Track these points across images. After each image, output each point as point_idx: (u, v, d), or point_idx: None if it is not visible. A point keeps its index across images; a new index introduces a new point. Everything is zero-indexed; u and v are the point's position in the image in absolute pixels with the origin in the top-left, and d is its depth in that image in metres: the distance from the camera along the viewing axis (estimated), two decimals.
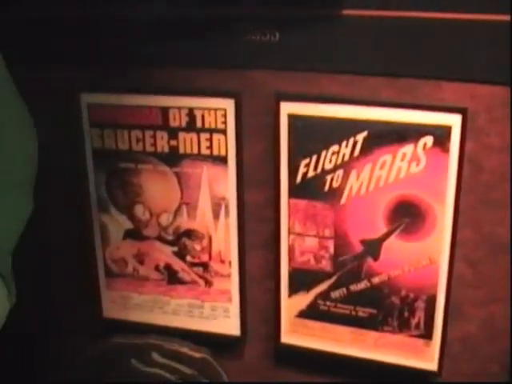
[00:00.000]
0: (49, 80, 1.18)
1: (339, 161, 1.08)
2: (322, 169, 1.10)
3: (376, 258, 1.11)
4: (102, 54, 1.16)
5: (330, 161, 1.09)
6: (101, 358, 1.17)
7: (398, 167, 1.06)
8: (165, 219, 1.23)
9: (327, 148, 1.08)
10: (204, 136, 1.14)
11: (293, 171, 1.11)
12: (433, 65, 1.02)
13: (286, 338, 1.22)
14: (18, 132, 1.00)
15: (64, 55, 1.18)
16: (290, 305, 1.21)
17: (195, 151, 1.15)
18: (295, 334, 1.23)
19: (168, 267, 1.26)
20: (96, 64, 1.17)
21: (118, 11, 1.12)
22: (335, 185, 1.09)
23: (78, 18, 1.14)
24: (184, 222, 1.21)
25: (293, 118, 1.08)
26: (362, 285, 1.14)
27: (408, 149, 1.05)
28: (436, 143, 1.04)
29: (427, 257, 1.10)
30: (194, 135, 1.14)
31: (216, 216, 1.19)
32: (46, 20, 1.16)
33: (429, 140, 1.04)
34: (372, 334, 1.16)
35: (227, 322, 1.26)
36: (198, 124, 1.13)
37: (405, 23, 1.00)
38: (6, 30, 1.12)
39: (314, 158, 1.09)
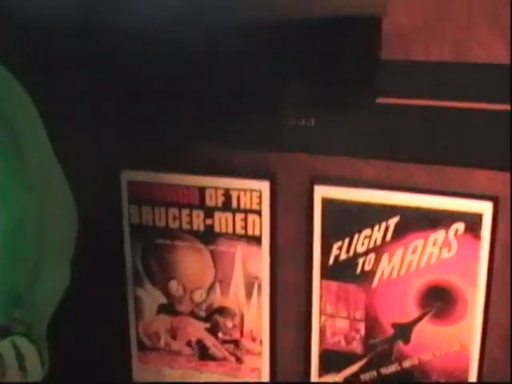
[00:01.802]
0: (91, 156, 1.26)
1: (371, 244, 1.13)
2: (355, 252, 1.14)
3: (407, 342, 1.14)
4: (142, 131, 1.24)
5: (363, 244, 1.13)
6: None
7: (430, 252, 1.10)
8: (198, 295, 1.28)
9: (360, 231, 1.13)
10: (239, 216, 1.19)
11: (325, 253, 1.16)
12: (464, 153, 1.07)
13: None
14: (58, 204, 1.07)
15: (106, 132, 1.27)
16: None
17: (230, 230, 1.21)
18: None
19: (200, 343, 1.29)
20: (137, 142, 1.25)
21: (158, 89, 1.20)
22: (367, 268, 1.14)
23: (119, 96, 1.23)
24: (217, 299, 1.25)
25: (327, 201, 1.13)
26: (393, 368, 1.16)
27: (439, 234, 1.09)
28: (467, 230, 1.08)
29: (458, 341, 1.12)
30: (229, 215, 1.20)
31: (249, 294, 1.24)
32: (87, 96, 1.25)
33: (460, 226, 1.08)
34: None
35: None
36: (234, 204, 1.19)
37: (439, 112, 1.06)
38: (51, 106, 1.20)
39: (347, 240, 1.14)
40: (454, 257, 1.08)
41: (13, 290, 0.98)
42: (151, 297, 1.30)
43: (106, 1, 1.12)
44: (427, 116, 1.06)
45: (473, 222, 1.06)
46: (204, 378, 1.31)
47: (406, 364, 1.14)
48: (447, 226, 1.07)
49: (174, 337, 1.31)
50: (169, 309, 1.30)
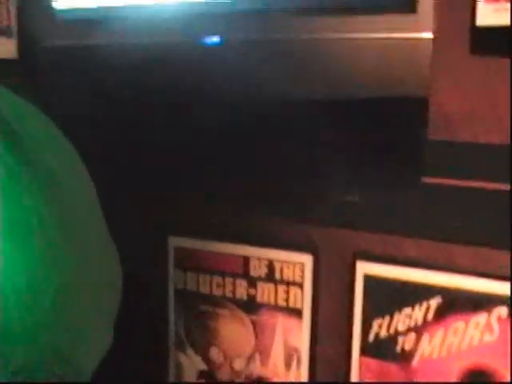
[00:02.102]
0: (140, 221, 1.31)
1: (412, 323, 1.13)
2: (395, 330, 1.14)
3: None
4: (192, 198, 1.29)
5: (403, 323, 1.13)
6: None
7: (471, 335, 1.09)
8: (238, 364, 1.29)
9: (400, 310, 1.13)
10: (281, 287, 1.21)
11: (366, 329, 1.16)
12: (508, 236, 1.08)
13: None
14: (104, 266, 1.11)
15: (157, 198, 1.32)
16: None
17: (272, 301, 1.22)
18: None
19: None
20: (186, 208, 1.30)
21: (211, 159, 1.25)
22: (407, 347, 1.13)
23: (170, 162, 1.28)
24: (256, 369, 1.27)
25: (368, 278, 1.14)
26: None
27: (481, 318, 1.08)
28: (510, 314, 1.08)
29: None
30: (272, 286, 1.22)
31: (288, 366, 1.24)
32: (137, 160, 1.30)
33: (503, 310, 1.08)
34: None
35: None
36: (277, 275, 1.21)
37: (485, 194, 1.08)
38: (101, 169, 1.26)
39: (387, 318, 1.14)
40: (496, 341, 1.07)
41: (56, 349, 1.04)
42: (192, 362, 1.32)
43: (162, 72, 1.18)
44: (472, 197, 1.08)
45: None
46: None
47: None
48: (489, 310, 1.07)
49: None
50: (209, 375, 1.32)
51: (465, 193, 1.09)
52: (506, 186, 1.06)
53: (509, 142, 1.06)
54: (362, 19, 1.04)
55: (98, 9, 1.25)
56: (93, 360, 1.07)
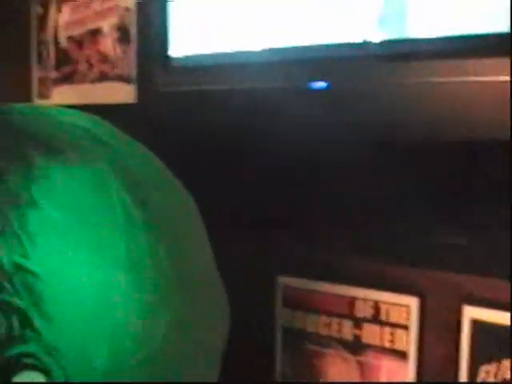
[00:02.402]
0: (248, 260, 1.36)
1: None
2: (503, 378, 1.13)
3: None
4: (300, 239, 1.33)
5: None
6: None
7: None
8: None
9: (509, 357, 1.13)
10: (387, 329, 1.22)
11: (472, 375, 1.14)
12: None
13: None
14: (212, 303, 1.16)
15: (265, 238, 1.37)
16: None
17: (377, 343, 1.23)
18: None
19: None
20: (294, 248, 1.34)
21: (320, 203, 1.29)
22: None
23: (282, 202, 1.33)
24: None
25: (475, 323, 1.14)
26: None
27: None
28: None
29: None
30: (377, 327, 1.23)
31: None
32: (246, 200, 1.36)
33: None
34: None
35: None
36: (382, 317, 1.22)
37: None
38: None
39: (495, 365, 1.13)
40: None
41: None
42: None
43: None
44: None
45: None
46: None
47: None
48: None
49: None
50: None
51: None
52: None
53: None
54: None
55: (212, 55, 1.33)
56: None
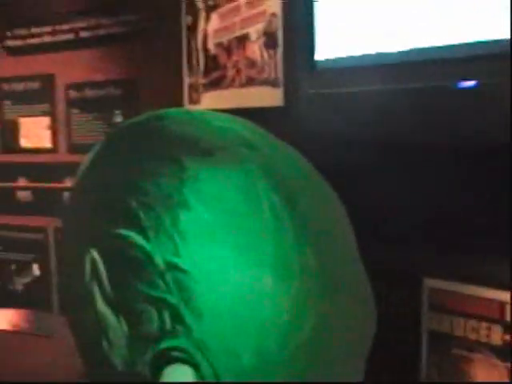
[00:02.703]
0: (395, 262, 1.37)
1: None
2: None
3: None
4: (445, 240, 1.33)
5: None
6: None
7: None
8: None
9: None
10: None
11: None
12: None
13: None
14: (360, 304, 1.18)
15: (412, 240, 1.38)
16: None
17: None
18: None
19: None
20: (441, 250, 1.34)
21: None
22: None
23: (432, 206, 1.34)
24: None
25: None
26: None
27: None
28: None
29: None
30: None
31: None
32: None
33: None
34: None
35: None
36: None
37: None
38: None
39: None
40: None
41: (310, 379, 1.12)
42: None
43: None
44: None
45: None
46: None
47: None
48: None
49: None
50: None
51: None
52: None
53: None
54: None
55: (356, 57, 1.36)
56: None
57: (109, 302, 1.05)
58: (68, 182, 2.43)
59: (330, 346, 1.08)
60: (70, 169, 2.37)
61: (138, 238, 1.02)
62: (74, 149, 2.54)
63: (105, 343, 1.05)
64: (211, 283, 1.00)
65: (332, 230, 1.12)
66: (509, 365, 1.23)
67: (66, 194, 2.32)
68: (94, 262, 1.12)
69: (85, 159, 1.23)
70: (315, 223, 1.10)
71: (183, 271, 0.99)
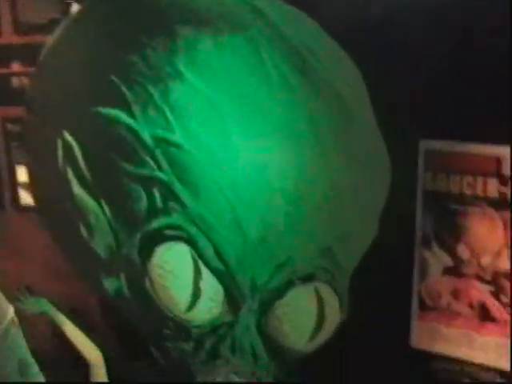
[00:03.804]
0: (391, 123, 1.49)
1: None
2: None
3: None
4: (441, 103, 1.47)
5: None
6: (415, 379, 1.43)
7: None
8: (485, 260, 1.45)
9: None
10: None
11: None
12: None
13: None
14: (376, 168, 1.24)
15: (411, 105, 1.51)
16: None
17: None
18: None
19: (481, 305, 1.48)
20: (436, 113, 1.46)
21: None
22: None
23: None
24: (504, 264, 1.43)
25: None
26: None
27: None
28: None
29: None
30: None
31: None
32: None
33: None
34: None
35: None
36: None
37: None
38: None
39: None
40: None
41: (322, 243, 1.13)
42: (438, 259, 1.51)
43: None
44: None
45: None
46: (480, 340, 1.52)
47: None
48: None
49: (456, 298, 1.53)
50: (454, 271, 1.50)
51: None
52: None
53: None
54: None
55: None
56: (356, 255, 1.25)
57: (87, 186, 1.06)
58: (16, 67, 2.38)
59: (345, 207, 1.18)
60: (17, 52, 2.32)
61: (121, 116, 1.04)
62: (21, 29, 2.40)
63: (84, 231, 1.08)
64: (211, 157, 1.05)
65: (345, 90, 1.19)
66: (504, 214, 1.43)
67: (14, 80, 2.28)
68: (66, 145, 1.10)
69: (50, 38, 1.23)
70: (327, 84, 1.18)
71: (176, 145, 1.03)
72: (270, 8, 1.15)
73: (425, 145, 1.47)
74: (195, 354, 1.08)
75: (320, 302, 1.14)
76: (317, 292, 1.13)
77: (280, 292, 1.09)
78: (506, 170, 1.38)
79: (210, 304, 1.04)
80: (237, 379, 1.08)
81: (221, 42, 1.06)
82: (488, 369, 1.42)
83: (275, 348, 1.12)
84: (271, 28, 1.13)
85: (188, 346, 1.08)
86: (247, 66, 1.08)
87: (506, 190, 1.39)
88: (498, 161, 1.39)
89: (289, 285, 1.10)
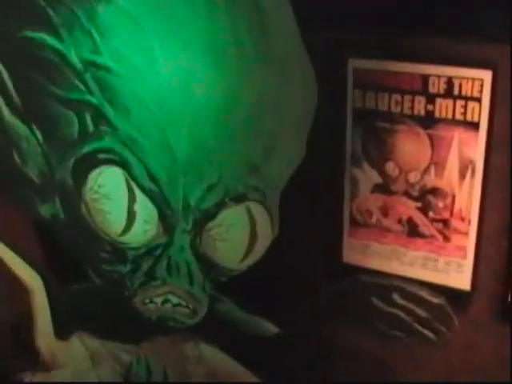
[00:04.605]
0: (322, 43, 1.53)
1: None
2: None
3: None
4: (370, 22, 1.49)
5: None
6: (344, 292, 1.53)
7: None
8: (413, 176, 1.54)
9: None
10: (459, 103, 1.44)
11: None
12: None
13: None
14: (298, 80, 1.28)
15: (339, 22, 1.53)
16: None
17: (450, 116, 1.46)
18: None
19: (410, 221, 1.58)
20: (365, 31, 1.50)
21: None
22: None
23: None
24: (431, 181, 1.53)
25: None
26: None
27: None
28: None
29: None
30: (450, 102, 1.45)
31: (462, 177, 1.49)
32: None
33: None
34: None
35: (459, 276, 1.57)
36: (455, 91, 1.44)
37: None
38: None
39: None
40: None
41: (250, 160, 1.19)
42: (367, 176, 1.59)
43: None
44: None
45: None
46: (410, 255, 1.64)
47: None
48: None
49: (385, 214, 1.61)
50: (383, 188, 1.58)
51: None
52: None
53: None
54: None
55: None
56: (285, 173, 1.32)
57: (17, 112, 1.10)
58: None
59: (270, 122, 1.23)
60: None
61: (48, 39, 1.07)
62: None
63: (17, 157, 1.12)
64: (138, 78, 1.08)
65: (268, 9, 1.21)
66: (431, 132, 1.51)
67: None
68: None
69: None
70: (250, 3, 1.21)
71: (105, 68, 1.07)
72: None
73: (353, 63, 1.54)
74: (132, 275, 1.15)
75: (252, 221, 1.21)
76: (248, 211, 1.20)
77: (212, 212, 1.15)
78: (432, 88, 1.47)
79: (145, 226, 1.10)
80: (174, 299, 1.16)
81: None
82: (415, 282, 1.54)
83: (210, 267, 1.19)
84: None
85: (125, 268, 1.14)
86: None
87: (433, 108, 1.48)
88: (425, 79, 1.47)
89: (221, 205, 1.16)
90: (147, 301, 1.15)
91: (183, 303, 1.17)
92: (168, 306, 1.16)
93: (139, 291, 1.15)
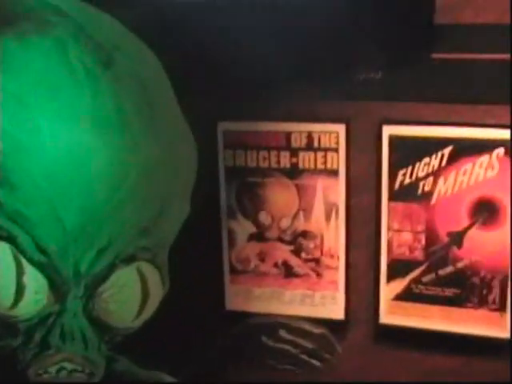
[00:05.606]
0: (191, 108, 1.50)
1: (430, 170, 1.47)
2: (416, 177, 1.47)
3: (460, 247, 1.47)
4: (237, 87, 1.51)
5: (423, 170, 1.47)
6: (236, 336, 1.46)
7: (477, 173, 1.42)
8: (284, 223, 1.60)
9: (420, 160, 1.46)
10: (320, 154, 1.52)
11: (392, 179, 1.50)
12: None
13: (385, 319, 1.57)
14: (183, 150, 1.28)
15: (206, 89, 1.53)
16: (388, 290, 1.58)
17: (312, 166, 1.54)
18: (392, 315, 1.58)
19: (285, 263, 1.62)
20: (231, 96, 1.52)
21: (248, 56, 1.47)
22: (427, 189, 1.47)
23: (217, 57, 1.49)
24: (301, 225, 1.59)
25: (393, 138, 1.47)
26: (449, 269, 1.49)
27: (485, 158, 1.40)
28: (506, 153, 1.39)
29: (501, 244, 1.44)
30: (311, 153, 1.53)
31: (328, 219, 1.57)
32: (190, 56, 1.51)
33: (501, 151, 1.39)
34: (457, 311, 1.49)
35: (334, 308, 1.62)
36: (315, 144, 1.52)
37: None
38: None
39: (410, 168, 1.48)
40: (496, 176, 1.40)
41: (140, 223, 1.11)
42: (243, 227, 1.63)
43: None
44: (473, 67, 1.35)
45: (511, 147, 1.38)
46: (288, 294, 1.60)
47: (460, 265, 1.47)
48: (490, 152, 1.39)
49: (262, 260, 1.62)
50: (258, 236, 1.63)
51: (466, 64, 1.34)
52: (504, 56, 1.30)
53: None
54: None
55: None
56: (173, 230, 1.26)
57: None
58: None
59: (158, 183, 1.17)
60: None
61: None
62: None
63: None
64: (25, 154, 1.03)
65: (151, 84, 1.19)
66: (297, 182, 1.51)
67: None
68: None
69: None
70: (132, 80, 1.17)
71: None
72: (74, 10, 1.10)
73: (222, 126, 1.51)
74: (25, 347, 1.02)
75: (143, 280, 1.12)
76: (139, 270, 1.11)
77: (104, 276, 1.07)
78: (295, 143, 1.46)
79: (36, 297, 1.01)
80: (69, 366, 1.03)
81: (26, 42, 1.00)
82: (298, 318, 1.48)
83: (104, 329, 1.10)
84: (76, 28, 1.08)
85: (16, 341, 1.02)
86: (53, 62, 1.04)
87: (297, 161, 1.47)
88: (288, 135, 1.52)
89: (112, 267, 1.08)
90: (41, 371, 1.01)
91: (79, 368, 1.05)
92: (63, 373, 1.02)
93: (33, 362, 1.00)
